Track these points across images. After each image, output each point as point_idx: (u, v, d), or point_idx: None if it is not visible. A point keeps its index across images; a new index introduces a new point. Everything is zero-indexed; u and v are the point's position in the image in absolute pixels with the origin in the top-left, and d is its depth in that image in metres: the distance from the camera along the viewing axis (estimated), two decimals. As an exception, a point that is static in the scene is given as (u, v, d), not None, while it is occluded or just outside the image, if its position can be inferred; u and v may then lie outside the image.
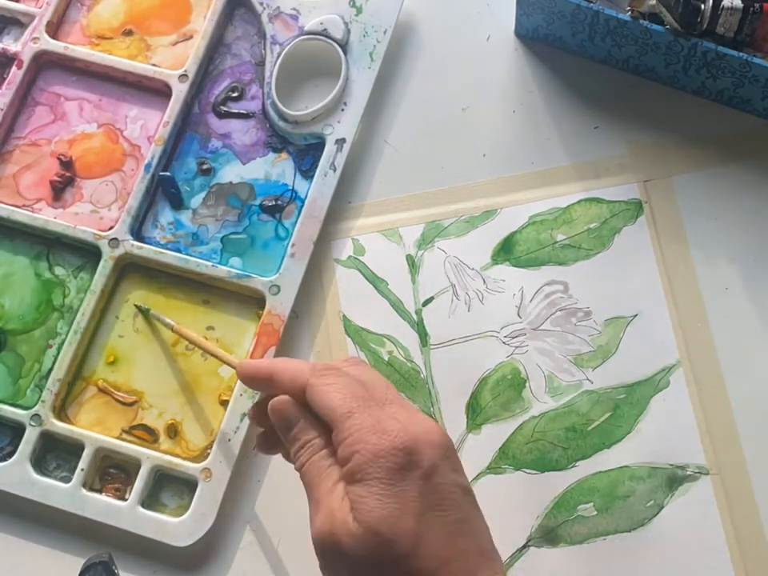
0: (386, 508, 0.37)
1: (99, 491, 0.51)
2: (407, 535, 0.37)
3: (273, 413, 0.42)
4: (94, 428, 0.53)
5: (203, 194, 0.57)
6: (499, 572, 0.38)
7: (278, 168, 0.58)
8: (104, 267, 0.55)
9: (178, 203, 0.57)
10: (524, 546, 0.50)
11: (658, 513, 0.50)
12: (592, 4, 0.54)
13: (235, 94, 0.59)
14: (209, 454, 0.51)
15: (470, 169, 0.58)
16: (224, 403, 0.53)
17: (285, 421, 0.42)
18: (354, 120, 0.57)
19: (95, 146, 0.59)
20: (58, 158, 0.58)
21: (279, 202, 0.57)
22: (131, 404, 0.53)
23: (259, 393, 0.50)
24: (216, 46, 0.60)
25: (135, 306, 0.54)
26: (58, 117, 0.59)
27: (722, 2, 0.52)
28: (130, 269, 0.56)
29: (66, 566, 0.50)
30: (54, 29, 0.61)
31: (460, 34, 0.61)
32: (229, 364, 0.48)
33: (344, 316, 0.55)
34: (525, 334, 0.54)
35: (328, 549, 0.38)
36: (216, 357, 0.49)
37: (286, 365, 0.43)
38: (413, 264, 0.56)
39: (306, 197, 0.56)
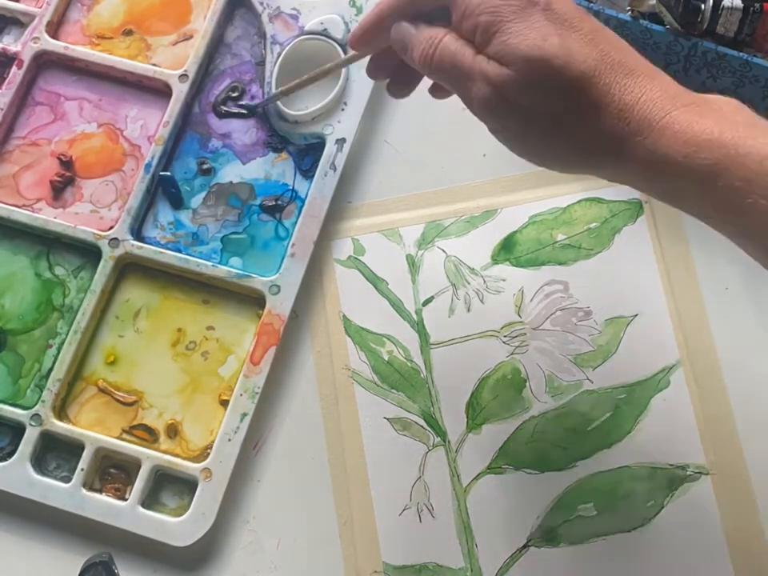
0: (528, 37, 0.38)
1: (99, 491, 0.51)
2: (555, 47, 0.38)
3: (393, 34, 0.44)
4: (94, 428, 0.53)
5: (203, 194, 0.57)
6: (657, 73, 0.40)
7: (278, 168, 0.58)
8: (104, 267, 0.55)
9: (178, 203, 0.57)
10: (524, 546, 0.50)
11: (658, 513, 0.50)
12: (592, 4, 0.54)
13: (235, 94, 0.59)
14: (209, 453, 0.51)
15: (470, 169, 0.58)
16: (224, 403, 0.53)
17: (401, 32, 0.43)
18: (354, 120, 0.57)
19: (95, 145, 0.59)
20: (58, 158, 0.58)
21: (279, 202, 0.57)
22: (131, 404, 0.53)
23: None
24: (216, 46, 0.60)
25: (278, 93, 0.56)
26: (58, 117, 0.59)
27: (722, 2, 0.52)
28: (130, 269, 0.56)
29: (66, 566, 0.50)
30: (54, 29, 0.61)
31: (460, 33, 0.61)
32: (346, 61, 0.51)
33: (344, 316, 0.55)
34: (525, 334, 0.54)
35: (494, 108, 0.40)
36: (327, 71, 0.51)
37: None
38: (413, 264, 0.56)
39: (306, 197, 0.56)
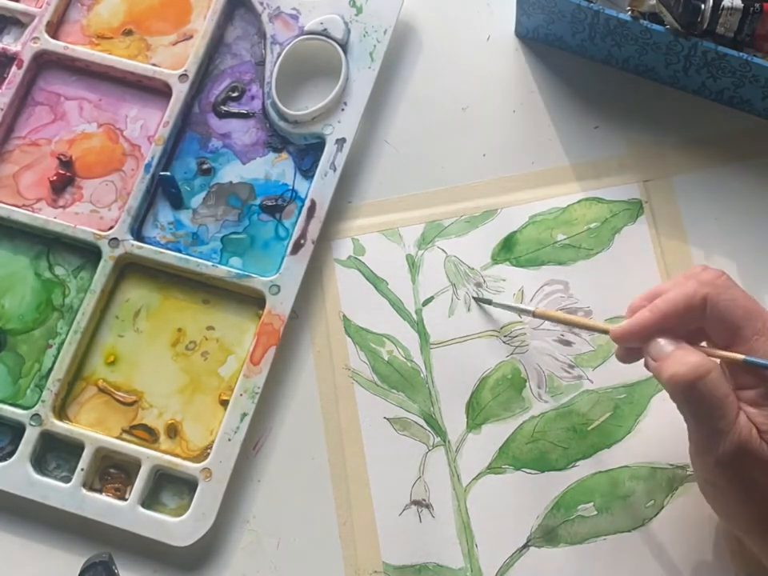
0: None
1: (99, 491, 0.51)
2: None
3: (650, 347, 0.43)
4: (94, 428, 0.53)
5: (203, 194, 0.57)
6: None
7: (278, 168, 0.58)
8: (104, 267, 0.55)
9: (178, 203, 0.57)
10: (524, 546, 0.50)
11: (658, 513, 0.50)
12: (592, 4, 0.54)
13: (235, 94, 0.59)
14: (209, 453, 0.51)
15: (470, 169, 0.58)
16: (224, 403, 0.53)
17: (657, 349, 0.43)
18: (354, 120, 0.57)
19: (95, 145, 0.59)
20: (58, 158, 0.58)
21: (279, 202, 0.57)
22: (131, 404, 0.53)
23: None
24: (216, 46, 0.60)
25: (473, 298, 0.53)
26: (57, 116, 0.59)
27: (722, 2, 0.52)
28: (130, 269, 0.56)
29: (66, 566, 0.50)
30: (54, 28, 0.60)
31: (460, 34, 0.61)
32: (602, 331, 0.47)
33: (344, 316, 0.55)
34: (525, 334, 0.54)
35: (737, 474, 0.41)
36: (585, 327, 0.49)
37: (665, 310, 0.43)
38: (413, 264, 0.56)
39: (306, 197, 0.56)
